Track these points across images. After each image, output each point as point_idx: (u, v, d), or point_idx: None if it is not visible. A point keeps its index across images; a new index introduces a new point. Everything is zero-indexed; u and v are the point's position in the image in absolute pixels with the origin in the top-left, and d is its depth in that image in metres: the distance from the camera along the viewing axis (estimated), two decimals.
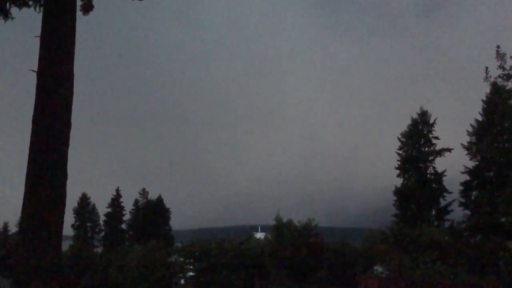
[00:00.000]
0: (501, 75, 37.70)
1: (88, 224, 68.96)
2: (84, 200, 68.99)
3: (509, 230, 33.19)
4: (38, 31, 8.96)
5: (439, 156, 40.93)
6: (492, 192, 35.63)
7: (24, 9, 10.64)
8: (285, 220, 41.25)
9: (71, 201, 62.67)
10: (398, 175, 41.38)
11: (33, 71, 8.82)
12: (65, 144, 8.73)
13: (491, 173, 36.72)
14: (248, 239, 46.36)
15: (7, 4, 10.62)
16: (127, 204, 70.12)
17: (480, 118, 37.93)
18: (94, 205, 70.09)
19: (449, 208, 40.04)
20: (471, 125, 38.15)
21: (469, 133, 38.08)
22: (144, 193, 70.17)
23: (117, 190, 70.32)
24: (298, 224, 40.80)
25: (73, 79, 9.01)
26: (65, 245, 57.24)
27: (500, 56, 37.77)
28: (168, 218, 68.69)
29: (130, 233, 68.69)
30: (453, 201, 39.50)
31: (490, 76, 38.12)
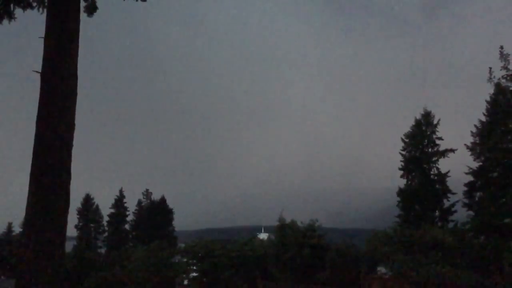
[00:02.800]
0: (505, 76, 37.60)
1: (92, 225, 69.11)
2: (87, 200, 69.15)
3: None
4: (42, 32, 9.00)
5: (443, 157, 40.87)
6: (496, 193, 35.53)
7: (28, 11, 10.69)
8: (288, 221, 41.23)
9: (75, 201, 62.90)
10: (402, 176, 41.34)
11: (37, 72, 8.85)
12: (69, 144, 8.76)
13: (495, 174, 36.62)
14: (251, 239, 46.32)
15: (11, 6, 10.68)
16: (131, 204, 70.30)
17: (484, 119, 37.86)
18: (97, 205, 70.28)
19: (453, 209, 39.95)
20: (475, 125, 38.07)
21: (472, 134, 38.01)
22: (147, 193, 70.35)
23: (121, 191, 70.50)
24: (301, 225, 40.76)
25: (76, 79, 9.04)
26: (69, 246, 57.39)
27: (504, 56, 37.68)
28: (171, 219, 68.85)
29: (134, 233, 68.84)
30: (457, 202, 39.44)
31: (494, 77, 38.02)
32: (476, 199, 37.33)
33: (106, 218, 69.32)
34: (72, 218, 63.50)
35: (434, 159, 40.90)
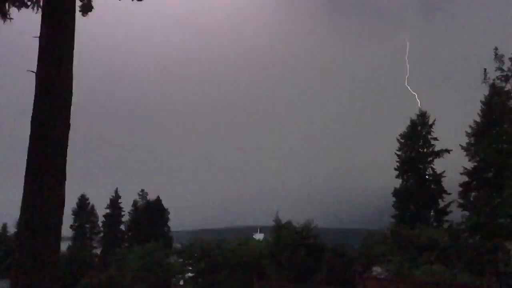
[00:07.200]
0: (499, 77, 37.75)
1: (87, 225, 68.91)
2: (83, 201, 68.92)
3: (508, 231, 33.23)
4: (37, 31, 8.96)
5: (438, 157, 41.03)
6: (491, 193, 35.68)
7: (23, 10, 10.64)
8: (284, 221, 41.24)
9: (70, 202, 62.66)
10: (397, 176, 41.45)
11: (32, 71, 8.82)
12: (64, 144, 8.72)
13: (490, 174, 36.78)
14: (247, 240, 46.34)
15: (6, 5, 10.63)
16: (126, 205, 70.15)
17: (478, 120, 38.01)
18: (93, 206, 70.07)
19: (448, 209, 40.11)
20: (470, 126, 38.22)
21: (467, 134, 38.15)
22: (143, 194, 70.19)
23: (116, 191, 70.35)
24: (297, 225, 40.79)
25: (72, 79, 9.00)
26: (64, 246, 57.20)
27: (498, 57, 37.83)
28: (167, 219, 68.76)
29: (129, 234, 68.68)
30: (452, 202, 39.59)
31: (489, 78, 38.18)
32: (471, 199, 37.46)
33: (101, 219, 69.18)
34: (67, 219, 63.28)
35: (429, 159, 41.05)
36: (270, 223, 42.42)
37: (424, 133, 41.48)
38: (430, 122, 41.61)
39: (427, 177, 40.92)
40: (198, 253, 43.71)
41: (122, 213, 69.85)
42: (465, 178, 37.88)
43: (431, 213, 40.53)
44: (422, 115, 41.75)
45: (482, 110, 37.91)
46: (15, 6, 10.63)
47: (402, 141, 41.72)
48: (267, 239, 44.27)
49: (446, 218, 40.00)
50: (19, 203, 8.41)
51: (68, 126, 8.83)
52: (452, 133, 50.78)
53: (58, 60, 8.76)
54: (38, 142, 8.49)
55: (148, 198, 69.63)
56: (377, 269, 36.29)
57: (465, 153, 37.83)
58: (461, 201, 38.07)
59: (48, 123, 8.53)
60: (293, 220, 41.47)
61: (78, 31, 9.24)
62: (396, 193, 40.85)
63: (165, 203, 69.09)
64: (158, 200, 68.70)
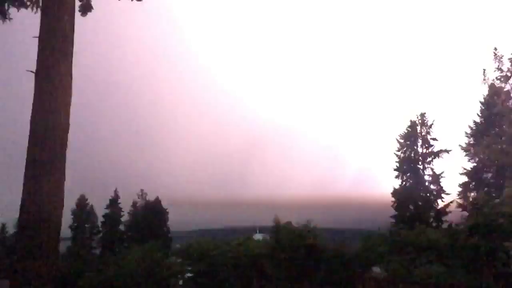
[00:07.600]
0: (499, 77, 37.85)
1: (86, 226, 68.84)
2: (82, 201, 68.84)
3: (508, 232, 33.26)
4: (36, 31, 8.97)
5: (437, 157, 41.05)
6: (490, 193, 35.71)
7: (22, 10, 10.65)
8: (283, 221, 41.26)
9: (69, 202, 62.54)
10: (397, 177, 41.48)
11: (32, 71, 8.82)
12: (63, 144, 8.72)
13: (489, 175, 36.83)
14: (247, 240, 46.33)
15: (6, 5, 10.64)
16: (125, 205, 70.09)
17: (478, 120, 38.06)
18: (92, 206, 69.97)
19: (447, 210, 40.12)
20: (469, 126, 38.29)
21: (467, 135, 38.21)
22: (142, 194, 70.15)
23: (115, 191, 70.33)
24: (297, 225, 40.80)
25: (71, 79, 9.01)
26: (64, 246, 57.12)
27: (497, 58, 37.92)
28: (167, 219, 68.72)
29: (129, 234, 68.63)
30: (451, 202, 39.61)
31: (488, 78, 38.30)
32: (471, 199, 37.52)
33: (100, 219, 69.14)
34: (67, 219, 63.19)
35: (428, 159, 41.06)
36: (270, 223, 42.41)
37: (423, 133, 41.52)
38: (430, 122, 41.66)
39: (426, 177, 40.95)
40: (197, 253, 43.70)
41: (122, 213, 69.81)
42: (464, 179, 37.94)
43: (431, 214, 40.55)
44: (422, 115, 41.78)
45: (481, 110, 37.98)
46: (15, 6, 10.65)
47: (402, 141, 41.73)
48: (267, 239, 44.27)
49: (446, 218, 40.01)
50: (19, 203, 8.42)
51: (67, 126, 8.85)
52: (452, 133, 50.83)
53: (57, 60, 8.77)
54: (38, 142, 8.50)
55: (147, 199, 69.61)
56: (376, 270, 36.32)
57: (464, 153, 37.89)
58: (460, 201, 38.13)
59: (47, 122, 8.54)
60: (293, 220, 41.46)
61: (78, 31, 9.25)
62: (395, 193, 40.85)
63: (165, 204, 69.04)
64: (157, 201, 68.66)
